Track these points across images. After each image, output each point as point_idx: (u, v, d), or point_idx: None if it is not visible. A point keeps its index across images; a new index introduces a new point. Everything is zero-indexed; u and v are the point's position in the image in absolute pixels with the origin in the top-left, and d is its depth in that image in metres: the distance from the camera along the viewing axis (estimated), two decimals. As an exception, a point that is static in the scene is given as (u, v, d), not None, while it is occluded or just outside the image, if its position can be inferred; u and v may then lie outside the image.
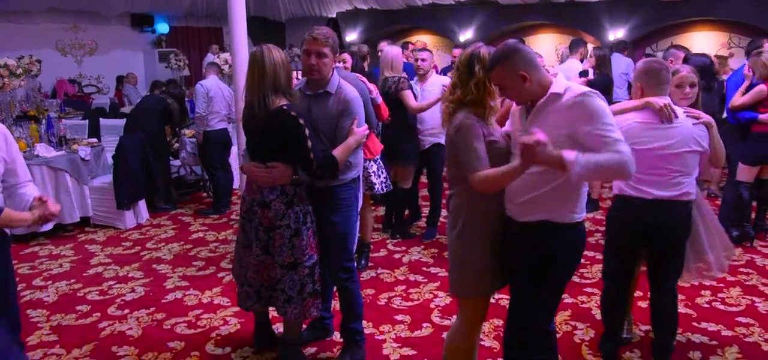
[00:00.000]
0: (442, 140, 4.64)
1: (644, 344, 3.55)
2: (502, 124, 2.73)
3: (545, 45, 12.62)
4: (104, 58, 13.43)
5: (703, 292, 4.25)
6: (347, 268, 3.34)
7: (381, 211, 6.11)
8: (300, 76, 3.46)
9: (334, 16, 15.00)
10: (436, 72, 6.57)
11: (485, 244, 2.57)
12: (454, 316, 2.87)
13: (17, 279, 4.49)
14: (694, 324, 3.84)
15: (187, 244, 5.64)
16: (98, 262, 5.22)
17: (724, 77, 6.22)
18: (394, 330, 3.82)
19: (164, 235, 5.94)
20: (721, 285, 4.38)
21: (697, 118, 3.01)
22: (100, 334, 3.86)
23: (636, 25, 11.49)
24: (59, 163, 5.85)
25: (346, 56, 4.94)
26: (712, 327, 3.80)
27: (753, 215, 5.45)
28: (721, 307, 4.08)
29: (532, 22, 12.88)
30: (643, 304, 3.78)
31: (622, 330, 3.44)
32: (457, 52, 9.18)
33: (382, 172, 4.70)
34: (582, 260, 2.64)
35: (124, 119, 7.34)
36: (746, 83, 5.09)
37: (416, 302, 4.23)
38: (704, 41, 10.82)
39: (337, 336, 3.69)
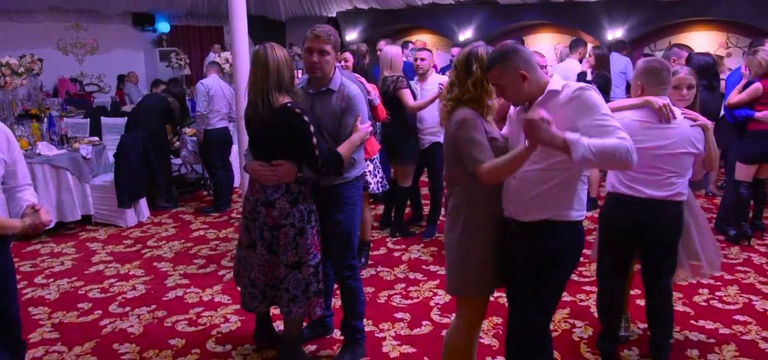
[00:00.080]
0: (442, 139, 4.66)
1: (642, 342, 3.57)
2: (498, 125, 2.73)
3: (544, 44, 12.62)
4: (105, 57, 13.43)
5: (700, 291, 4.28)
6: (351, 266, 3.35)
7: (380, 210, 6.12)
8: (300, 75, 3.47)
9: (334, 15, 15.00)
10: (436, 71, 6.58)
11: (485, 244, 2.57)
12: (454, 315, 2.87)
13: (18, 277, 4.55)
14: (692, 322, 3.86)
15: (187, 242, 5.66)
16: (99, 259, 5.24)
17: (723, 77, 6.25)
18: (393, 328, 3.84)
19: (165, 233, 5.97)
20: (719, 283, 4.41)
21: (695, 121, 3.03)
22: (102, 332, 3.88)
23: (635, 24, 11.50)
24: (61, 161, 5.87)
25: (348, 55, 4.96)
26: (709, 325, 3.82)
27: (750, 214, 5.48)
28: (719, 305, 4.10)
29: (531, 22, 12.89)
30: (641, 303, 3.80)
31: (619, 328, 3.46)
32: (455, 51, 9.22)
33: (378, 172, 4.73)
34: (580, 259, 2.65)
35: (126, 118, 7.37)
36: (743, 81, 5.12)
37: (416, 300, 4.26)
38: (702, 41, 10.83)
39: (337, 334, 3.72)
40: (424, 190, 6.18)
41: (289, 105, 2.91)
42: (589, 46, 7.59)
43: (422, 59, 5.38)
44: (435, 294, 4.33)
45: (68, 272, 4.96)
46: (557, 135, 2.13)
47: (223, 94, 6.64)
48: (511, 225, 2.51)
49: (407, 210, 5.94)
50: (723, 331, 3.75)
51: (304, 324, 3.49)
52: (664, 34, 11.73)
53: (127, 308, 4.22)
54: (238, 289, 3.51)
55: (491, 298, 2.79)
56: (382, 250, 5.28)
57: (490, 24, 12.97)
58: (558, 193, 2.39)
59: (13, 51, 8.15)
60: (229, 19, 5.02)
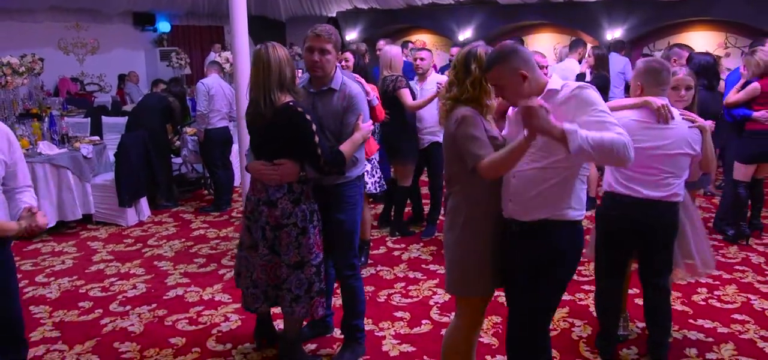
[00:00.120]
0: (441, 139, 4.68)
1: (641, 341, 3.59)
2: (497, 125, 2.74)
3: (544, 44, 12.64)
4: (106, 57, 13.45)
5: (699, 290, 4.30)
6: (352, 265, 3.36)
7: (380, 209, 6.13)
8: (300, 75, 3.47)
9: (334, 15, 15.02)
10: (436, 71, 6.60)
11: (485, 243, 2.57)
12: (453, 314, 2.88)
13: (19, 276, 4.56)
14: (691, 321, 3.88)
15: (188, 241, 5.68)
16: (100, 258, 5.26)
17: (723, 77, 6.26)
18: (393, 327, 3.86)
19: (165, 232, 5.98)
20: (717, 283, 4.43)
21: (693, 122, 3.04)
22: (102, 331, 3.90)
23: (634, 24, 11.52)
24: (62, 160, 5.89)
25: (349, 55, 4.97)
26: (708, 324, 3.84)
27: (748, 214, 5.49)
28: (717, 304, 4.12)
29: (531, 22, 12.91)
30: (639, 302, 3.81)
31: (617, 327, 3.48)
32: (454, 50, 9.23)
33: (376, 172, 4.74)
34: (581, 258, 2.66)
35: (126, 117, 7.39)
36: (742, 81, 5.14)
37: (415, 299, 4.27)
38: (701, 41, 10.85)
39: (337, 332, 3.73)
40: (425, 190, 6.20)
41: (291, 104, 2.90)
42: (589, 46, 7.60)
43: (422, 59, 5.39)
44: (434, 293, 4.35)
45: (69, 271, 4.97)
46: (555, 125, 2.14)
47: (223, 93, 6.66)
48: (511, 225, 2.50)
49: (407, 209, 5.96)
50: (721, 330, 3.77)
51: (304, 323, 3.48)
52: (663, 35, 11.76)
53: (128, 307, 4.23)
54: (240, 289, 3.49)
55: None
56: (382, 250, 5.30)
57: (490, 24, 12.98)
58: (558, 192, 2.39)
59: (14, 50, 8.16)
60: (229, 18, 5.04)
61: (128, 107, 9.95)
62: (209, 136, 6.64)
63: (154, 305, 4.25)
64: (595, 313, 3.56)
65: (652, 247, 3.13)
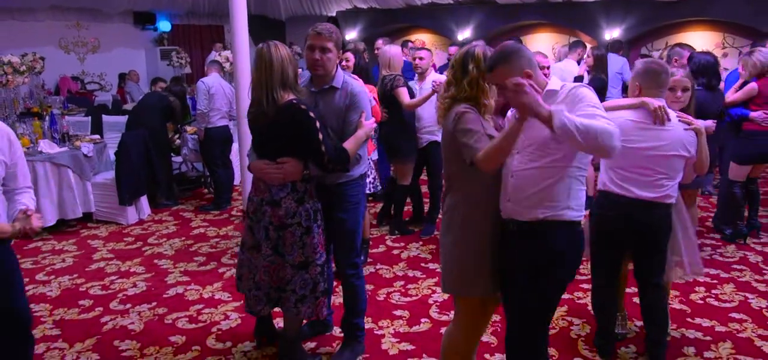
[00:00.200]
0: (440, 138, 4.69)
1: (639, 340, 3.60)
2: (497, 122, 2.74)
3: (542, 44, 12.66)
4: (107, 56, 13.46)
5: (697, 289, 4.31)
6: (355, 264, 3.36)
7: (379, 207, 6.14)
8: (301, 73, 3.48)
9: (334, 14, 15.03)
10: (435, 70, 6.61)
11: (483, 242, 2.55)
12: (452, 313, 2.88)
13: (21, 273, 4.57)
14: (688, 320, 3.89)
15: (188, 240, 5.69)
16: (100, 257, 5.27)
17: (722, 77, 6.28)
18: (393, 325, 3.87)
19: (166, 231, 6.00)
20: (715, 282, 4.45)
21: (689, 124, 3.05)
22: (102, 329, 3.91)
23: (632, 24, 11.54)
24: (62, 159, 5.91)
25: (349, 55, 4.98)
26: (706, 323, 3.85)
27: (746, 213, 5.51)
28: (715, 303, 4.14)
29: (530, 22, 12.92)
30: (637, 300, 3.83)
31: (615, 326, 3.49)
32: (452, 50, 9.25)
33: (371, 172, 4.75)
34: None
35: (127, 116, 7.40)
36: (740, 81, 5.16)
37: (415, 298, 4.29)
38: (699, 41, 10.86)
39: (336, 331, 3.75)
40: (424, 190, 6.20)
41: (294, 101, 2.89)
42: (589, 47, 7.61)
43: (421, 58, 5.40)
44: (434, 291, 4.36)
45: (69, 269, 4.99)
46: (542, 104, 2.14)
47: (223, 92, 6.67)
48: (509, 224, 2.50)
49: (407, 208, 5.97)
50: (719, 328, 3.78)
51: (304, 322, 3.48)
52: (661, 35, 11.78)
53: (128, 305, 4.25)
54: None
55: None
56: (381, 248, 5.31)
57: (489, 23, 13.00)
58: (556, 192, 2.38)
59: (15, 49, 8.18)
60: (229, 18, 5.06)
61: (129, 106, 9.96)
62: (209, 134, 6.66)
63: (154, 303, 4.26)
64: (592, 312, 3.58)
65: (645, 246, 3.15)
